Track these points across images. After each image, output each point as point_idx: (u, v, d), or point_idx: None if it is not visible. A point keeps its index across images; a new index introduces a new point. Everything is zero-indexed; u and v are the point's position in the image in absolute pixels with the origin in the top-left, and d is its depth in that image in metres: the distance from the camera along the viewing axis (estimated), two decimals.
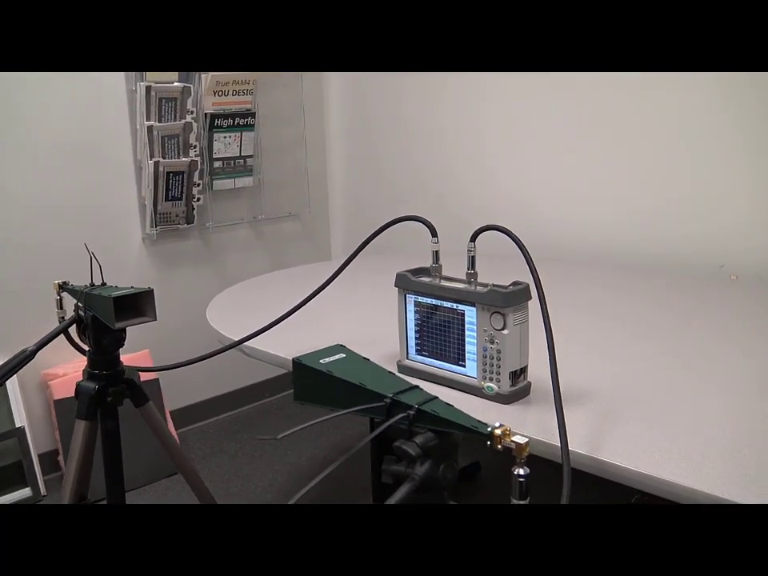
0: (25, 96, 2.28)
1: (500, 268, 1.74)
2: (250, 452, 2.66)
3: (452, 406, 0.79)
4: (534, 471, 0.74)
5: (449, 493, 0.80)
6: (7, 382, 2.33)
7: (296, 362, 0.89)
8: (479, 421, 0.76)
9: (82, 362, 1.40)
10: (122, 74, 2.46)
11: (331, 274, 1.34)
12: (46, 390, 2.44)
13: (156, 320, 1.24)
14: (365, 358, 0.92)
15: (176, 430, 2.68)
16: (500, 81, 2.49)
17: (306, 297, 1.38)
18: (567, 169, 2.38)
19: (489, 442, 0.74)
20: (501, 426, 0.74)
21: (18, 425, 2.35)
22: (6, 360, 1.26)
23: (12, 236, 2.32)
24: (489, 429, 0.74)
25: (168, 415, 2.62)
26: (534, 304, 1.05)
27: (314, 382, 0.88)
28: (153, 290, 1.23)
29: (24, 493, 2.33)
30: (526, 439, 0.73)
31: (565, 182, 2.39)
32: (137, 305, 1.23)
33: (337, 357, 0.90)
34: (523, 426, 1.01)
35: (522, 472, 0.73)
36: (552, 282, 1.92)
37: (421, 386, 0.85)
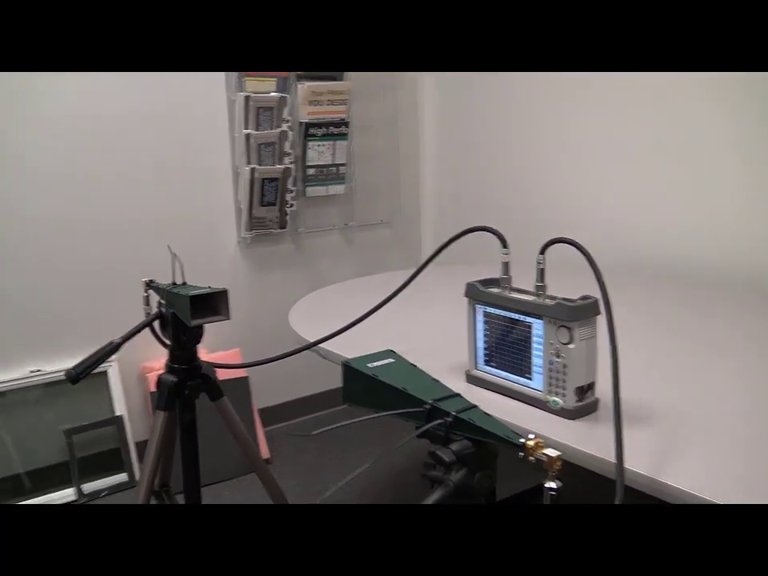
0: (132, 105, 2.43)
1: (573, 281, 1.70)
2: (332, 453, 2.71)
3: (490, 415, 0.79)
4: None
5: (487, 501, 0.80)
6: (109, 373, 2.49)
7: (345, 365, 0.91)
8: (514, 432, 0.75)
9: None
10: (223, 84, 2.58)
11: (402, 283, 1.36)
12: (143, 381, 2.59)
13: (229, 319, 1.30)
14: (412, 365, 0.93)
15: (264, 427, 2.77)
16: (578, 90, 2.44)
17: (378, 303, 1.40)
18: (644, 180, 2.30)
19: (522, 453, 0.73)
20: (534, 438, 0.73)
21: (117, 413, 2.50)
22: (93, 351, 1.35)
23: (118, 237, 2.48)
24: (522, 440, 0.73)
25: (256, 413, 2.71)
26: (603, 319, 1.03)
27: (361, 385, 0.90)
28: (227, 290, 1.29)
29: (120, 478, 2.48)
30: (558, 453, 0.72)
31: (641, 194, 2.31)
32: (212, 304, 1.29)
33: (385, 361, 0.92)
34: (586, 442, 0.99)
35: (553, 485, 0.72)
36: (623, 297, 1.86)
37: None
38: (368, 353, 0.94)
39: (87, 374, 1.33)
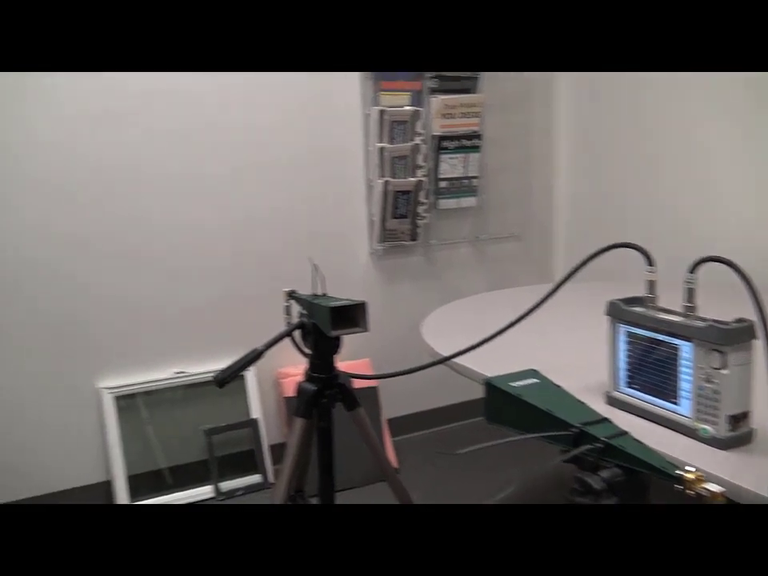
0: (272, 118, 2.54)
1: (724, 303, 1.61)
2: (459, 469, 2.69)
3: (642, 443, 0.76)
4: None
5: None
6: (247, 377, 2.60)
7: (488, 384, 0.91)
8: (669, 462, 0.72)
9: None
10: (358, 98, 2.65)
11: (539, 299, 1.33)
12: (278, 386, 2.68)
13: (368, 331, 1.32)
14: (557, 385, 0.91)
15: (391, 438, 2.79)
16: (725, 99, 2.30)
17: (514, 319, 1.39)
18: None
19: (679, 486, 0.70)
20: (693, 470, 0.69)
21: (253, 416, 2.61)
22: (238, 358, 1.42)
23: (254, 246, 2.59)
24: (678, 472, 0.70)
25: (384, 423, 2.74)
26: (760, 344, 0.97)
27: (504, 405, 0.89)
28: (366, 302, 1.32)
29: (254, 479, 2.58)
30: (721, 489, 0.68)
31: None
32: (352, 315, 1.32)
33: (529, 381, 0.90)
34: (740, 474, 0.93)
35: None
36: None
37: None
38: (501, 369, 0.93)
39: (233, 378, 1.40)
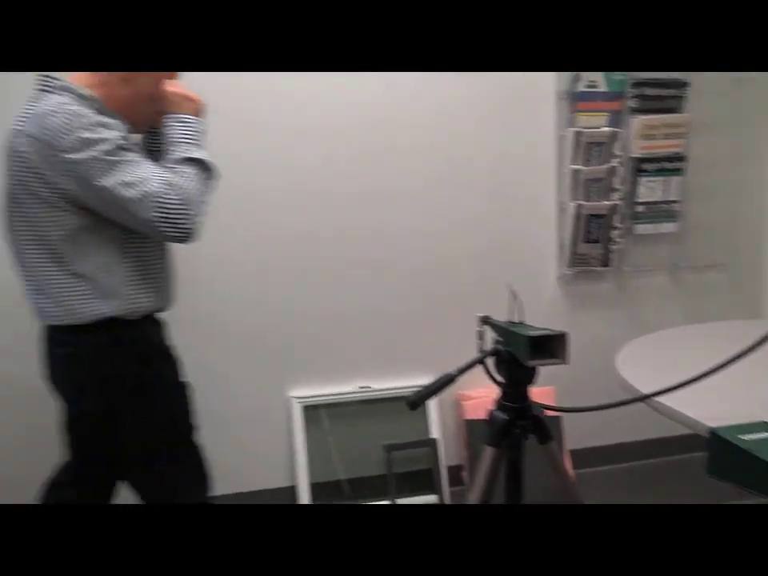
0: (464, 135, 2.55)
1: None
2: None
3: None
4: None
5: None
6: None
7: (713, 434, 0.83)
8: None
9: (492, 388, 1.50)
10: (552, 118, 2.58)
11: (763, 335, 1.21)
12: (459, 408, 2.67)
13: (567, 363, 1.27)
14: None
15: (573, 470, 2.68)
16: None
17: (729, 357, 1.27)
18: None
19: None
20: None
21: (432, 436, 2.62)
22: (431, 381, 1.42)
23: (442, 267, 2.60)
24: None
25: (567, 454, 2.64)
26: None
27: (732, 459, 0.81)
28: (567, 333, 1.26)
29: (430, 499, 2.58)
30: None
31: None
32: (551, 346, 1.27)
33: (761, 435, 0.81)
34: None
35: None
36: None
37: None
38: (711, 413, 0.84)
39: (424, 401, 1.40)
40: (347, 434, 2.58)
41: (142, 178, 1.48)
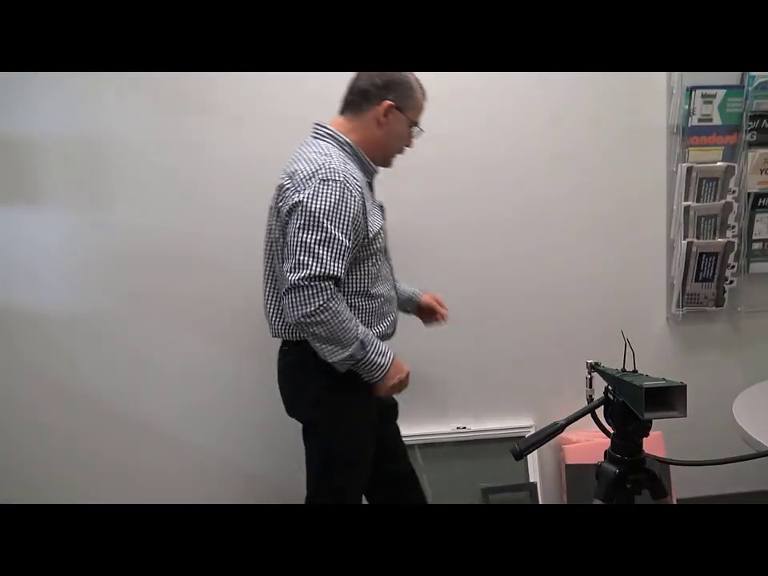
0: (571, 176, 2.49)
1: None
2: None
3: None
4: None
5: None
6: None
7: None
8: None
9: (595, 432, 1.43)
10: (663, 154, 2.49)
11: None
12: (559, 452, 2.57)
13: (686, 416, 1.19)
14: None
15: None
16: None
17: None
18: None
19: None
20: None
21: (531, 480, 2.53)
22: (538, 429, 1.37)
23: (548, 308, 2.53)
24: None
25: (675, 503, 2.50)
26: None
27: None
28: (686, 385, 1.19)
29: None
30: None
31: None
32: (668, 398, 1.20)
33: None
34: None
35: None
36: None
37: None
38: None
39: (531, 452, 1.35)
40: (443, 475, 2.53)
41: (316, 254, 1.61)
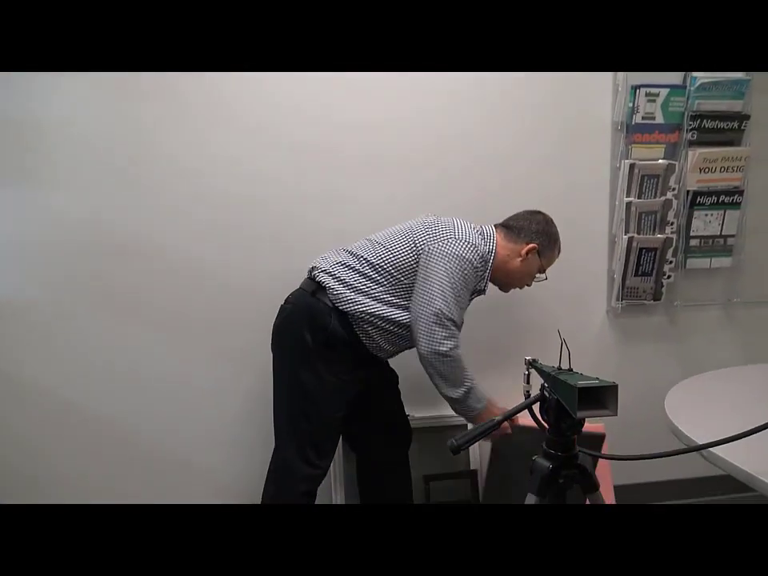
0: (514, 170, 2.51)
1: None
2: None
3: None
4: None
5: None
6: (468, 428, 2.58)
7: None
8: None
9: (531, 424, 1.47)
10: (608, 150, 2.54)
11: None
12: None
13: (616, 415, 1.23)
14: None
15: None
16: None
17: None
18: None
19: None
20: None
21: (472, 467, 2.58)
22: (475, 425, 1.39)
23: (498, 302, 2.57)
24: None
25: (611, 490, 2.57)
26: None
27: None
28: (617, 385, 1.23)
29: None
30: None
31: None
32: (600, 397, 1.24)
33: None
34: None
35: None
36: None
37: None
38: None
39: (469, 446, 1.37)
40: None
41: (450, 302, 1.94)
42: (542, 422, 1.41)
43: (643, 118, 2.48)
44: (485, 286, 2.06)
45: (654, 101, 2.46)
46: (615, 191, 2.56)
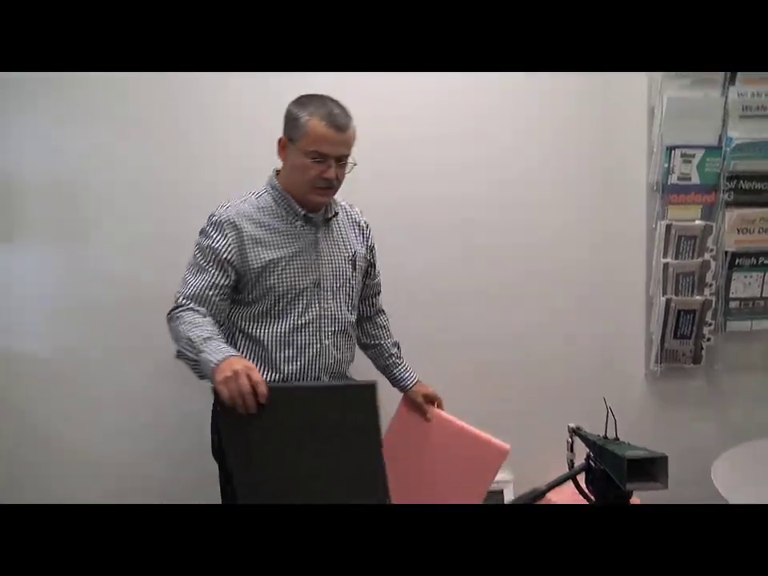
0: (550, 231, 2.50)
1: None
2: None
3: None
4: None
5: None
6: (504, 493, 2.49)
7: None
8: None
9: (575, 494, 1.40)
10: (644, 212, 2.51)
11: None
12: None
13: (667, 488, 1.18)
14: None
15: None
16: None
17: None
18: None
19: None
20: None
21: None
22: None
23: (528, 356, 2.52)
24: None
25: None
26: None
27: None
28: (667, 457, 1.18)
29: None
30: None
31: None
32: (650, 469, 1.19)
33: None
34: None
35: None
36: None
37: None
38: None
39: None
40: None
41: (185, 280, 1.72)
42: (588, 492, 1.35)
43: (679, 179, 2.46)
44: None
45: (689, 161, 2.45)
46: (652, 252, 2.52)
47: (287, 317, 1.76)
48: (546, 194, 2.47)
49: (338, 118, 1.69)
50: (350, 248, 1.87)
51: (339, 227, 1.88)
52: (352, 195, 1.92)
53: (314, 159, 1.69)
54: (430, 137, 2.36)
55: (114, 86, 2.17)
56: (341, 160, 1.73)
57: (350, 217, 1.92)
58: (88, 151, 2.23)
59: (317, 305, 1.79)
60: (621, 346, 2.58)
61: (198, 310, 1.66)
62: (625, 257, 2.53)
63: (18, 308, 2.25)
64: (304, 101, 1.73)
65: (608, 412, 1.31)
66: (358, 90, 1.95)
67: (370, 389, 1.40)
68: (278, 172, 1.82)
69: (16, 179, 2.21)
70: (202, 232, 1.75)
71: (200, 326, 1.59)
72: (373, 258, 2.00)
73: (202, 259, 1.71)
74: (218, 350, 1.50)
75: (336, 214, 1.87)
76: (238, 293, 1.76)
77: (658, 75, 2.42)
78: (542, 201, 2.47)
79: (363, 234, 1.95)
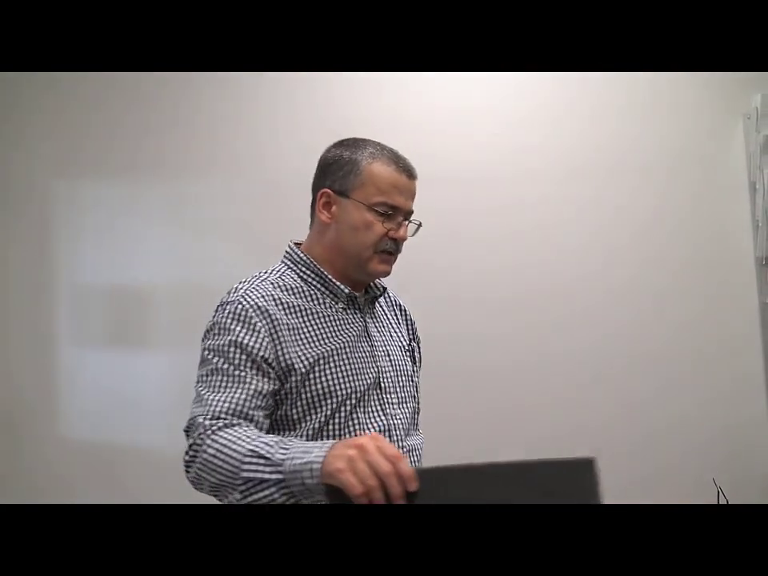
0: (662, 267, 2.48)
1: None
2: None
3: None
4: None
5: None
6: None
7: None
8: None
9: None
10: (755, 285, 2.45)
11: None
12: None
13: None
14: None
15: None
16: None
17: None
18: None
19: None
20: None
21: None
22: None
23: (610, 369, 2.46)
24: None
25: None
26: None
27: None
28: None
29: None
30: None
31: None
32: None
33: None
34: None
35: None
36: None
37: None
38: None
39: None
40: None
41: (202, 399, 1.18)
42: None
43: None
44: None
45: None
46: (766, 327, 2.43)
47: (349, 435, 1.24)
48: (655, 270, 2.48)
49: (407, 162, 1.32)
50: (402, 336, 1.46)
51: (383, 310, 1.46)
52: None
53: (382, 214, 1.29)
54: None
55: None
56: (406, 218, 1.34)
57: (388, 297, 1.49)
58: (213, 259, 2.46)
59: (380, 414, 1.30)
60: (741, 425, 2.44)
61: (242, 424, 1.13)
62: (738, 333, 2.45)
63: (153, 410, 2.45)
64: (354, 143, 1.34)
65: (718, 493, 1.28)
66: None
67: (589, 465, 0.93)
68: (297, 244, 1.39)
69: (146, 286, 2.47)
70: (215, 328, 1.24)
71: (262, 437, 1.07)
72: (419, 352, 1.52)
73: (224, 363, 1.19)
74: (309, 444, 1.01)
75: (385, 290, 1.45)
76: (275, 409, 1.24)
77: (756, 151, 2.40)
78: (659, 290, 2.47)
79: (406, 319, 1.52)
